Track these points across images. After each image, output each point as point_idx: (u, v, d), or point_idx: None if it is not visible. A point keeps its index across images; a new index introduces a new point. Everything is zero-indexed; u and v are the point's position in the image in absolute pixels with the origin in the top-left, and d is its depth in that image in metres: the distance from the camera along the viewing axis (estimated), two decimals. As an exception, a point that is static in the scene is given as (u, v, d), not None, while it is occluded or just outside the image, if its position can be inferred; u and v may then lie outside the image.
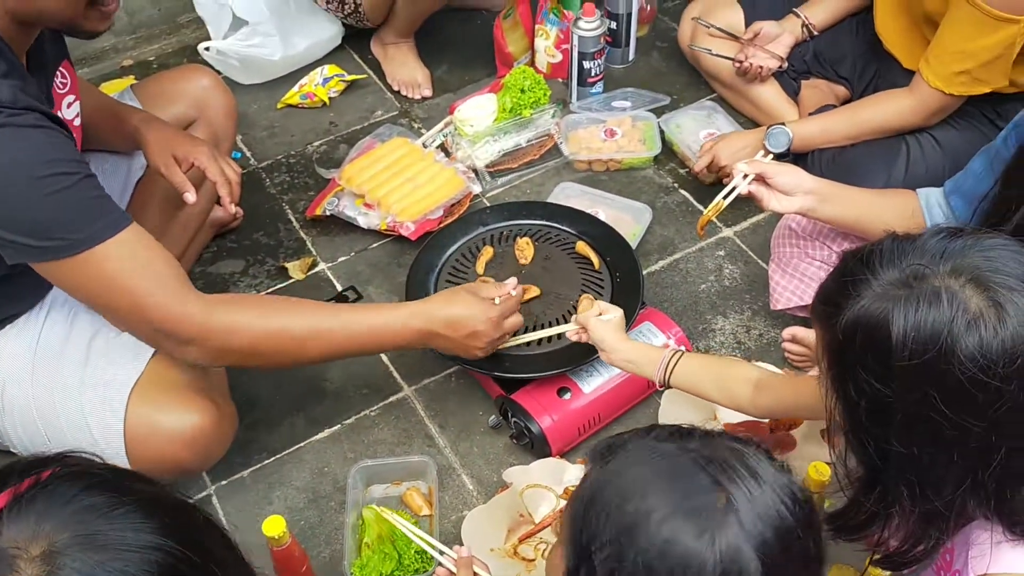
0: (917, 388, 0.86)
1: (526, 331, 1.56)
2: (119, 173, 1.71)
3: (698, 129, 2.09)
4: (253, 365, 1.43)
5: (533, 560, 1.42)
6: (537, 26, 2.27)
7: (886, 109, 1.79)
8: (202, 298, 1.30)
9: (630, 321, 1.54)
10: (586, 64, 2.16)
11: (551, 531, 1.43)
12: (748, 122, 2.14)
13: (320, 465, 1.61)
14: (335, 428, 1.65)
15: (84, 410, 1.39)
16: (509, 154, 2.08)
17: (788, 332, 1.58)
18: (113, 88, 2.26)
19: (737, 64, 2.07)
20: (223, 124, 1.81)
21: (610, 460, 0.84)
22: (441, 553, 1.21)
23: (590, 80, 2.20)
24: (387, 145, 2.03)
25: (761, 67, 2.04)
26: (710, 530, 0.76)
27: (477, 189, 2.01)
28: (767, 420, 1.54)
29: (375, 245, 1.95)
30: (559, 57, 2.25)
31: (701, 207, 2.00)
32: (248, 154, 2.17)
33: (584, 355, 1.53)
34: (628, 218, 1.92)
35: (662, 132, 2.09)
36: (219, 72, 2.28)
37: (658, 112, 2.15)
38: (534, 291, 1.62)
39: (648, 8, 2.38)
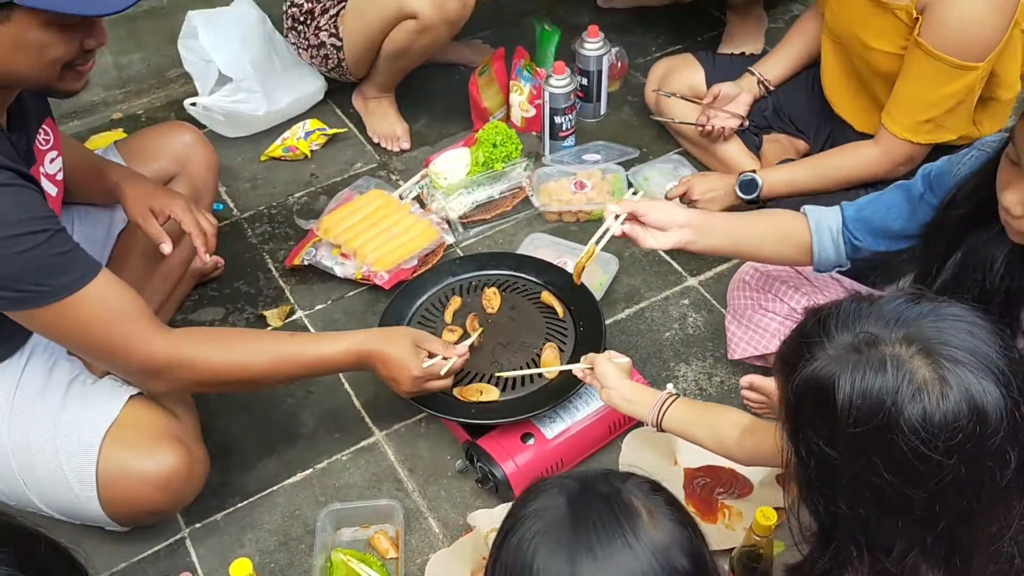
0: (862, 454, 0.87)
1: (532, 366, 1.65)
2: (101, 225, 1.78)
3: (665, 182, 2.17)
4: (217, 391, 1.52)
5: (494, 602, 1.46)
6: (512, 82, 2.36)
7: (853, 159, 1.85)
8: (167, 335, 1.39)
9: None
10: (557, 119, 2.25)
11: None
12: (713, 175, 2.22)
13: (292, 508, 1.65)
14: (307, 472, 1.70)
15: (59, 455, 1.44)
16: (482, 206, 2.16)
17: (746, 380, 1.63)
18: (102, 141, 2.35)
19: (700, 127, 2.15)
20: (204, 178, 1.88)
21: (512, 517, 0.87)
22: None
23: (562, 134, 2.28)
24: (364, 197, 2.11)
25: (723, 127, 2.13)
26: None
27: (450, 239, 2.08)
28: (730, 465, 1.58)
29: (351, 294, 2.02)
30: (533, 112, 2.34)
31: (667, 256, 2.07)
32: (231, 205, 2.25)
33: (547, 401, 1.59)
34: (595, 268, 1.99)
35: (630, 184, 2.17)
36: (205, 126, 2.37)
37: (627, 165, 2.23)
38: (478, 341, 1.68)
39: (619, 65, 2.48)
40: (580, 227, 2.14)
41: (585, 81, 2.35)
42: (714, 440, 1.37)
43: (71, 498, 1.47)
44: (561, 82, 2.20)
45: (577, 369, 1.53)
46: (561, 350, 1.68)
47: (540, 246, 2.04)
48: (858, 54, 1.84)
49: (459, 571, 1.51)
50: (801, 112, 2.11)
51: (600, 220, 2.12)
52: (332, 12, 2.24)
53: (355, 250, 1.98)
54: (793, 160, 2.04)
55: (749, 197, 1.93)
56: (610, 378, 1.45)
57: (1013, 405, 0.86)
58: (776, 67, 2.15)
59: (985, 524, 0.90)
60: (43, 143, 1.53)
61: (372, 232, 2.01)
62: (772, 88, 2.15)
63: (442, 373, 1.53)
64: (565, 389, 1.60)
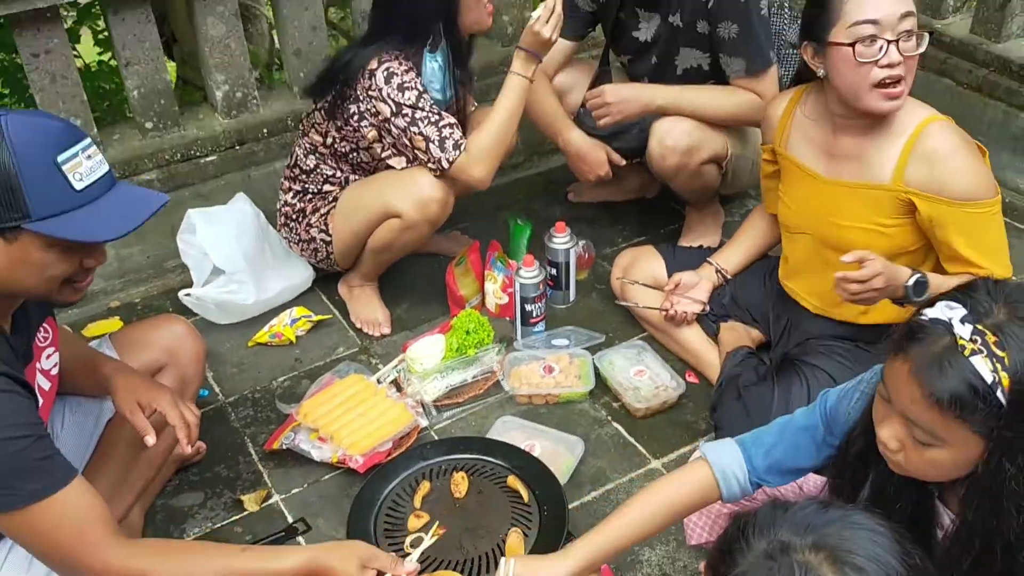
0: None
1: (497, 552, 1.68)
2: (91, 416, 1.88)
3: (629, 366, 2.29)
4: None
5: None
6: (486, 272, 2.53)
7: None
8: (125, 547, 1.44)
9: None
10: (528, 307, 2.40)
11: None
12: (675, 360, 2.34)
13: None
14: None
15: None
16: (456, 389, 2.26)
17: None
18: (99, 329, 2.49)
19: (664, 312, 2.30)
20: (191, 369, 2.00)
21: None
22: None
23: (532, 320, 2.42)
24: (343, 382, 2.22)
25: (686, 312, 2.27)
26: None
27: (424, 423, 2.17)
28: None
29: (327, 477, 2.09)
30: (506, 299, 2.49)
31: (632, 439, 2.15)
32: (217, 390, 2.35)
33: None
34: (562, 450, 2.07)
35: (597, 369, 2.29)
36: (196, 315, 2.51)
37: (594, 349, 2.36)
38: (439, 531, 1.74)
39: (587, 255, 2.66)
40: (549, 409, 2.24)
41: (554, 271, 2.51)
42: None
43: None
44: (530, 274, 2.37)
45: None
46: (526, 535, 1.74)
47: (510, 428, 2.13)
48: (825, 236, 1.98)
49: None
50: (757, 303, 2.26)
51: (570, 403, 2.25)
52: (323, 211, 2.43)
53: (332, 434, 2.07)
54: (749, 349, 2.17)
55: (921, 299, 1.83)
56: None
57: None
58: (732, 258, 2.32)
59: None
60: (42, 340, 1.65)
61: (349, 416, 2.10)
62: (729, 277, 2.31)
63: None
64: None
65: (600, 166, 2.53)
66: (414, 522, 1.76)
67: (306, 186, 2.48)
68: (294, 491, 2.07)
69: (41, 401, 1.59)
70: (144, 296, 2.70)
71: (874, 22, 1.71)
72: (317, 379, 2.31)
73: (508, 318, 2.50)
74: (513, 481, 1.85)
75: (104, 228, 1.39)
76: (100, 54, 5.03)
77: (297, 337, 2.49)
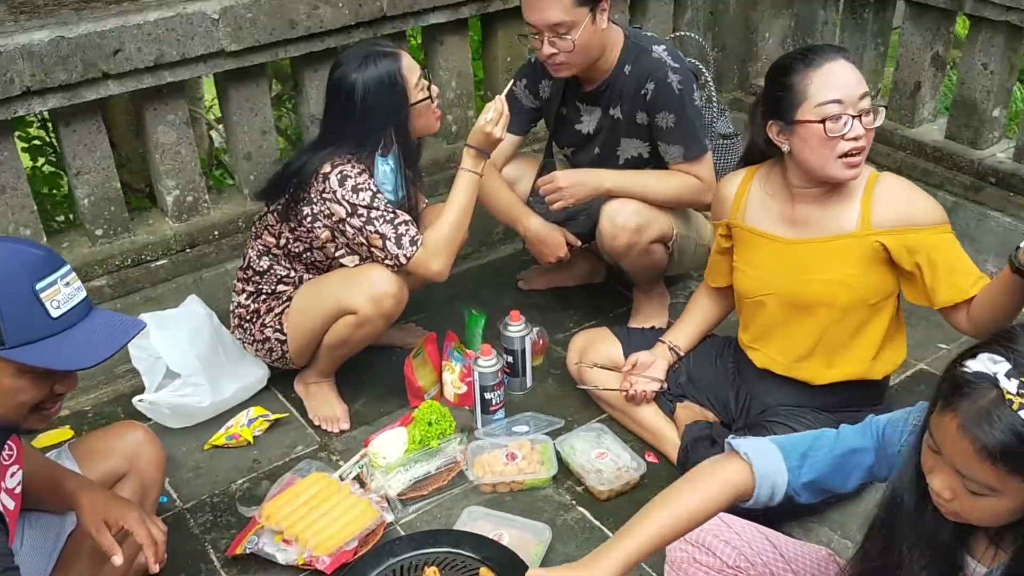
0: None
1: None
2: (51, 532, 1.83)
3: (589, 449, 2.33)
4: None
5: None
6: (444, 362, 2.56)
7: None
8: None
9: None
10: (487, 395, 2.43)
11: None
12: (634, 440, 2.39)
13: None
14: None
15: None
16: (420, 482, 2.26)
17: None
18: (50, 439, 2.43)
19: (623, 392, 2.35)
20: (152, 476, 1.96)
21: None
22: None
23: (492, 408, 2.45)
24: (305, 481, 2.20)
25: (645, 391, 2.33)
26: None
27: (390, 518, 2.16)
28: None
29: (293, 581, 2.06)
30: (464, 388, 2.52)
31: (598, 522, 2.17)
32: (174, 496, 2.31)
33: None
34: (530, 537, 2.08)
35: (558, 453, 2.32)
36: (150, 420, 2.47)
37: (554, 434, 2.39)
38: None
39: (541, 341, 2.71)
40: (514, 497, 2.25)
41: (511, 358, 2.56)
42: None
43: None
44: (489, 362, 2.41)
45: None
46: (502, 626, 1.74)
47: (477, 518, 2.13)
48: (792, 293, 2.07)
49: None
50: (710, 384, 2.33)
51: (534, 489, 2.26)
52: (277, 311, 2.45)
53: (297, 535, 2.04)
54: (708, 423, 2.23)
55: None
56: None
57: None
58: (683, 335, 2.40)
59: None
60: (6, 458, 1.62)
61: (313, 516, 2.08)
62: (682, 354, 2.38)
63: None
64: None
65: (559, 248, 2.62)
66: (388, 620, 1.74)
67: (260, 287, 2.50)
68: (259, 597, 2.03)
69: (8, 521, 1.55)
70: (95, 403, 2.65)
71: (839, 101, 1.88)
72: (278, 479, 2.29)
73: (467, 407, 2.52)
74: (486, 573, 1.84)
75: (78, 356, 1.40)
76: (33, 163, 5.00)
77: (255, 437, 2.47)
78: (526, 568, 1.85)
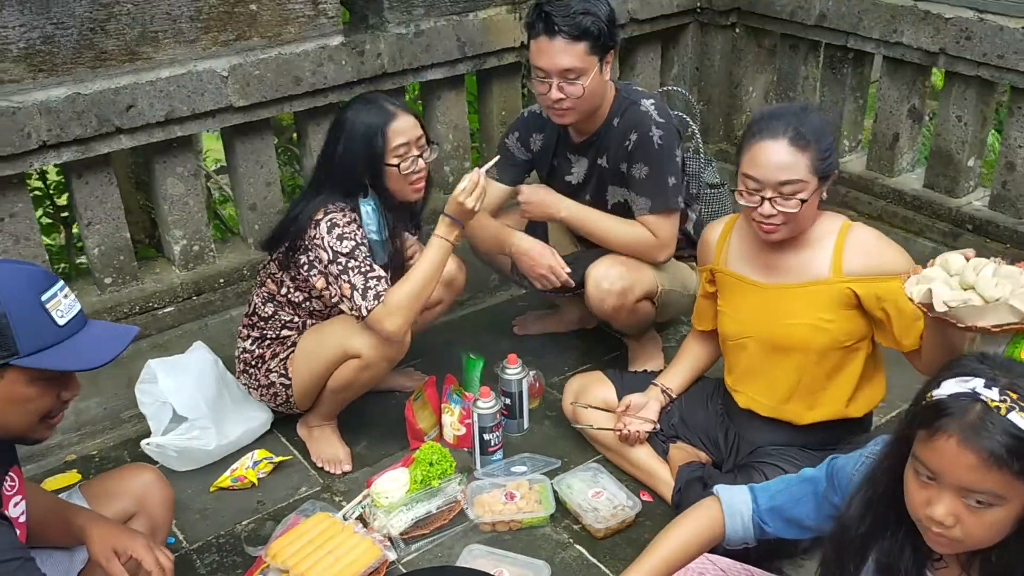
0: None
1: None
2: (61, 566, 1.88)
3: (586, 488, 2.39)
4: None
5: None
6: (443, 404, 2.63)
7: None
8: None
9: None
10: (486, 436, 2.49)
11: None
12: (629, 480, 2.45)
13: None
14: None
15: None
16: (421, 521, 2.32)
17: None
18: (58, 483, 2.48)
19: (617, 431, 2.42)
20: (161, 515, 2.02)
21: None
22: None
23: (491, 449, 2.52)
24: (310, 521, 2.25)
25: (639, 432, 2.40)
26: None
27: (393, 556, 2.21)
28: None
29: (299, 618, 2.10)
30: (463, 430, 2.58)
31: (595, 560, 2.23)
32: (181, 537, 2.36)
33: None
34: (530, 574, 2.14)
35: (556, 493, 2.38)
36: (157, 463, 2.53)
37: (552, 474, 2.46)
38: None
39: (537, 384, 2.79)
40: (513, 536, 2.31)
41: (508, 401, 2.63)
42: None
43: None
44: (487, 404, 2.48)
45: None
46: (503, 659, 1.78)
47: (477, 556, 2.19)
48: (770, 337, 2.16)
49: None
50: (702, 425, 2.40)
51: (532, 528, 2.32)
52: (281, 356, 2.52)
53: (302, 573, 2.09)
54: (700, 464, 2.30)
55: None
56: None
57: None
58: (675, 378, 2.48)
59: None
60: (8, 489, 1.68)
61: (318, 554, 2.13)
62: (674, 396, 2.46)
63: None
64: None
65: (543, 256, 2.60)
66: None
67: (264, 332, 2.57)
68: (265, 635, 2.07)
69: None
70: (101, 448, 2.70)
71: (755, 179, 1.99)
72: (282, 520, 2.34)
73: (466, 448, 2.59)
74: (486, 606, 1.90)
75: (88, 358, 1.49)
76: (40, 216, 5.10)
77: (259, 479, 2.52)
78: (527, 603, 1.91)
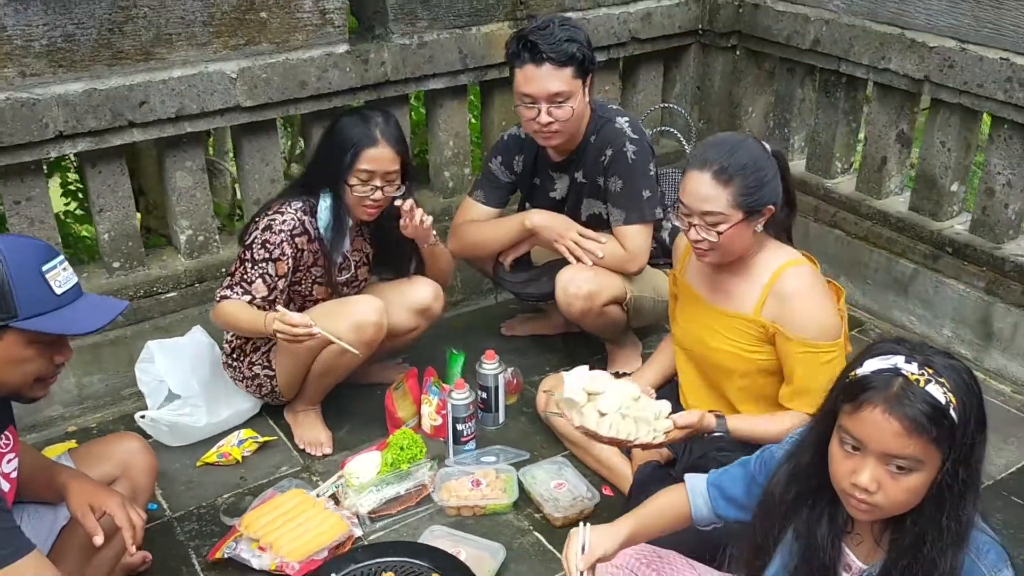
0: None
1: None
2: (45, 522, 2.03)
3: (549, 479, 2.50)
4: None
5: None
6: (423, 395, 2.76)
7: (781, 427, 2.14)
8: None
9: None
10: (459, 427, 2.62)
11: None
12: (592, 475, 2.55)
13: None
14: None
15: None
16: (390, 501, 2.44)
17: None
18: (57, 451, 2.63)
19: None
20: (142, 481, 2.16)
21: None
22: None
23: (463, 439, 2.64)
24: (284, 495, 2.39)
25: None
26: None
27: (359, 532, 2.34)
28: None
29: (265, 585, 2.23)
30: (440, 420, 2.71)
31: (551, 547, 2.34)
32: (165, 506, 2.50)
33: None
34: (486, 556, 2.25)
35: (521, 483, 2.49)
36: (150, 436, 2.68)
37: (520, 466, 2.57)
38: None
39: (515, 381, 2.91)
40: (476, 520, 2.42)
41: (485, 395, 2.75)
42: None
43: None
44: (461, 395, 2.60)
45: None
46: (445, 627, 1.90)
47: (439, 536, 2.30)
48: (702, 355, 2.28)
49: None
50: None
51: (495, 514, 2.43)
52: (263, 349, 2.66)
53: (271, 543, 2.22)
54: (659, 464, 2.40)
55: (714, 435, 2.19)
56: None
57: None
58: (649, 376, 2.57)
59: None
60: (3, 446, 1.84)
61: (288, 526, 2.27)
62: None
63: None
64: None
65: (568, 226, 2.71)
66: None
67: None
68: (233, 598, 2.20)
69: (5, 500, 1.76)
70: (100, 421, 2.87)
71: (684, 205, 2.09)
72: (260, 494, 2.48)
73: (442, 438, 2.71)
74: (436, 579, 2.01)
75: (81, 323, 1.65)
76: (67, 204, 5.35)
77: (243, 457, 2.67)
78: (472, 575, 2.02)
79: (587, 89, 2.62)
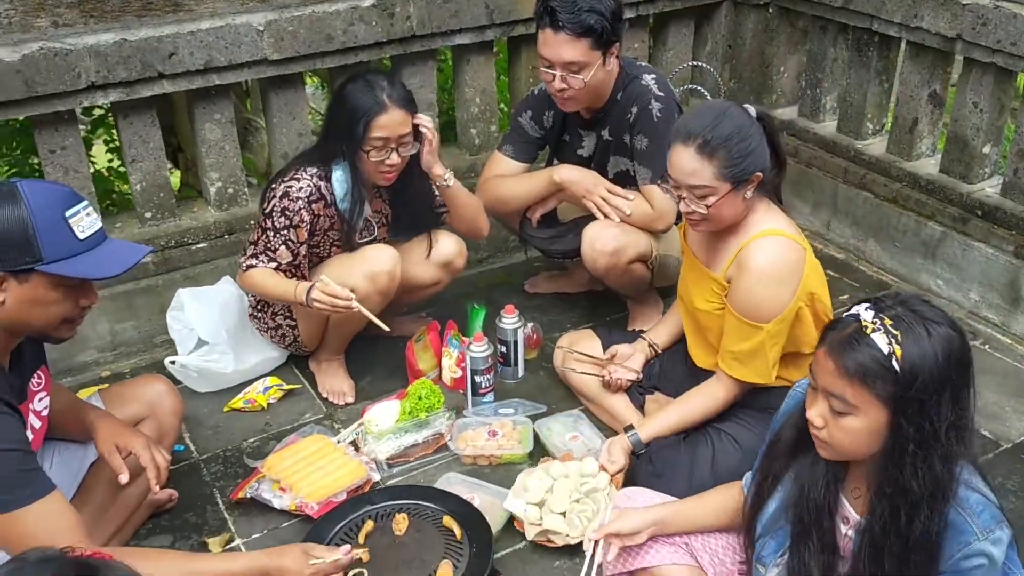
0: None
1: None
2: (75, 458, 2.12)
3: (565, 432, 2.54)
4: None
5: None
6: (443, 348, 2.81)
7: (706, 400, 2.26)
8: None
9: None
10: (477, 378, 2.66)
11: None
12: (608, 429, 2.58)
13: None
14: None
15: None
16: (408, 449, 2.50)
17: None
18: (85, 393, 2.73)
19: (601, 378, 2.56)
20: (169, 422, 2.25)
21: None
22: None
23: (481, 391, 2.68)
24: (306, 440, 2.46)
25: (621, 379, 2.54)
26: None
27: (377, 477, 2.40)
28: None
29: (285, 524, 2.30)
30: (459, 373, 2.75)
31: (564, 495, 2.38)
32: (192, 448, 2.59)
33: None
34: (499, 503, 2.30)
35: (537, 435, 2.53)
36: (180, 382, 2.77)
37: (536, 418, 2.61)
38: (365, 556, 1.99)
39: (535, 336, 2.94)
40: (492, 469, 2.47)
41: (504, 349, 2.79)
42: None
43: None
44: (480, 348, 2.64)
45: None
46: (456, 566, 1.96)
47: (454, 483, 2.36)
48: (692, 314, 2.33)
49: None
50: (680, 379, 2.52)
51: (510, 464, 2.48)
52: (284, 301, 2.71)
53: (292, 485, 2.29)
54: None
55: (640, 451, 2.28)
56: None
57: None
58: (661, 334, 2.60)
59: None
60: (36, 385, 1.91)
61: (309, 470, 2.33)
62: (660, 351, 2.58)
63: (328, 561, 1.81)
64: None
65: (597, 182, 2.71)
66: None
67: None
68: (255, 536, 2.28)
69: (32, 436, 1.84)
70: (133, 368, 2.96)
71: (673, 178, 2.09)
72: (283, 439, 2.55)
73: (461, 390, 2.76)
74: (448, 521, 2.07)
75: (103, 268, 1.70)
76: (110, 161, 5.46)
77: (269, 404, 2.74)
78: (486, 521, 2.08)
79: (609, 58, 2.58)
